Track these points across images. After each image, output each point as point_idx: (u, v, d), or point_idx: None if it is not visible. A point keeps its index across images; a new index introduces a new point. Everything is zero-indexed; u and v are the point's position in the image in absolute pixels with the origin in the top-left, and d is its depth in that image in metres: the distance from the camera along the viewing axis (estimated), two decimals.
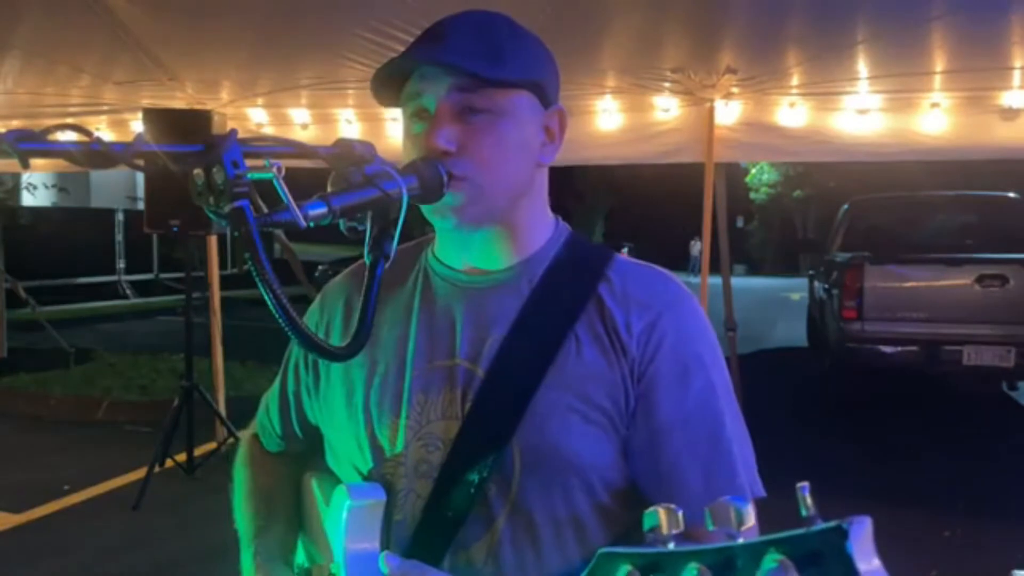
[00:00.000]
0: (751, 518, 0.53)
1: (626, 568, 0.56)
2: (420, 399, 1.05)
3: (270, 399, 1.29)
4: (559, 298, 1.06)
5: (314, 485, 1.19)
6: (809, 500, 0.50)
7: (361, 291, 0.96)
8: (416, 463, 1.04)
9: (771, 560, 0.48)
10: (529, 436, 1.00)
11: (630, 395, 1.02)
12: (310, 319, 1.21)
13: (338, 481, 1.14)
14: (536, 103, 1.05)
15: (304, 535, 1.23)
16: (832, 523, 0.47)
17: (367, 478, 1.08)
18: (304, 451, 1.26)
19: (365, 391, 1.09)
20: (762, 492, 1.04)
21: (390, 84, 1.04)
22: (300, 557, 1.23)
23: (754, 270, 35.00)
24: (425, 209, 1.03)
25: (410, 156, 1.01)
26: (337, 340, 1.14)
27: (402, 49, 1.04)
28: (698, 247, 31.62)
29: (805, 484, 0.50)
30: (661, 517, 0.56)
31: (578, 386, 1.01)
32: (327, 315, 1.19)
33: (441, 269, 1.12)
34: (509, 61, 1.00)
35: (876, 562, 0.46)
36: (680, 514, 0.57)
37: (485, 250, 1.08)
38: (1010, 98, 4.44)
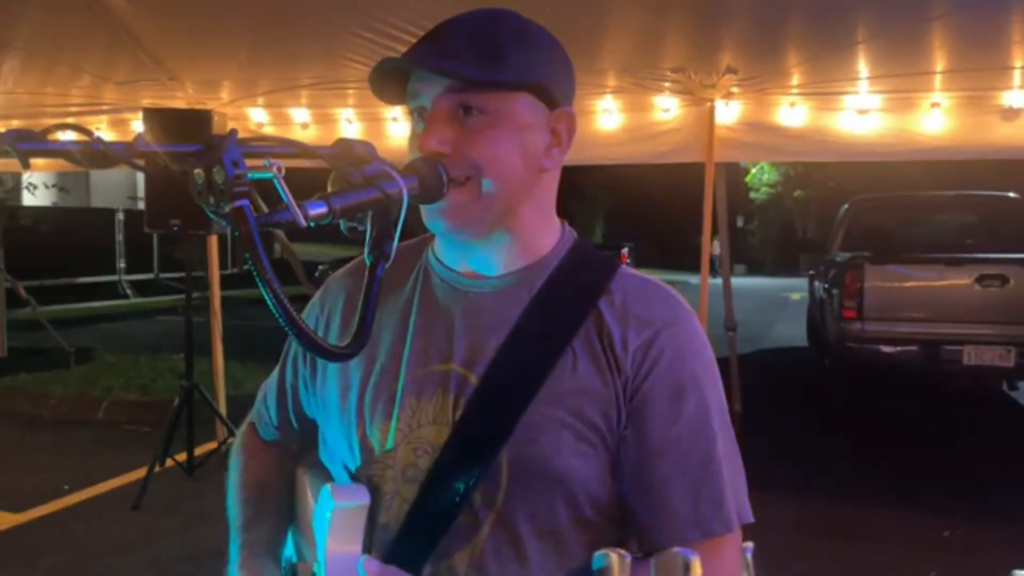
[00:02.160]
0: (696, 570, 0.55)
1: None
2: (412, 402, 1.04)
3: (267, 389, 1.29)
4: (558, 309, 1.04)
5: (307, 480, 1.19)
6: (751, 564, 0.51)
7: (360, 287, 0.95)
8: (404, 467, 1.03)
9: None
10: (519, 449, 0.99)
11: (622, 413, 1.01)
12: (310, 313, 1.20)
13: (330, 477, 1.14)
14: (539, 105, 1.02)
15: (294, 529, 1.23)
16: None
17: (355, 478, 1.08)
18: (299, 443, 1.26)
19: (360, 391, 1.08)
20: (750, 518, 1.03)
21: (392, 83, 1.03)
22: (289, 550, 1.23)
23: (754, 270, 35.00)
24: (424, 214, 1.02)
25: (411, 155, 1.01)
26: (335, 337, 1.14)
27: (402, 49, 1.04)
28: (719, 247, 31.75)
29: (750, 546, 0.52)
30: (613, 563, 0.58)
31: (572, 402, 1.00)
32: (327, 310, 1.18)
33: (441, 270, 1.10)
34: (508, 62, 0.98)
35: None
36: (628, 561, 0.57)
37: (486, 255, 1.07)
38: (1010, 98, 4.43)
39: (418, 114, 1.02)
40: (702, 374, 1.04)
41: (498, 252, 1.06)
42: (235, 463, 1.29)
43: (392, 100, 1.05)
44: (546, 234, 1.09)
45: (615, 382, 1.01)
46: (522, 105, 1.00)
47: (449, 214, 1.00)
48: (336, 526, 1.01)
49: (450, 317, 1.07)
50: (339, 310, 1.16)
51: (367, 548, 1.03)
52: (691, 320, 1.06)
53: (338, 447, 1.11)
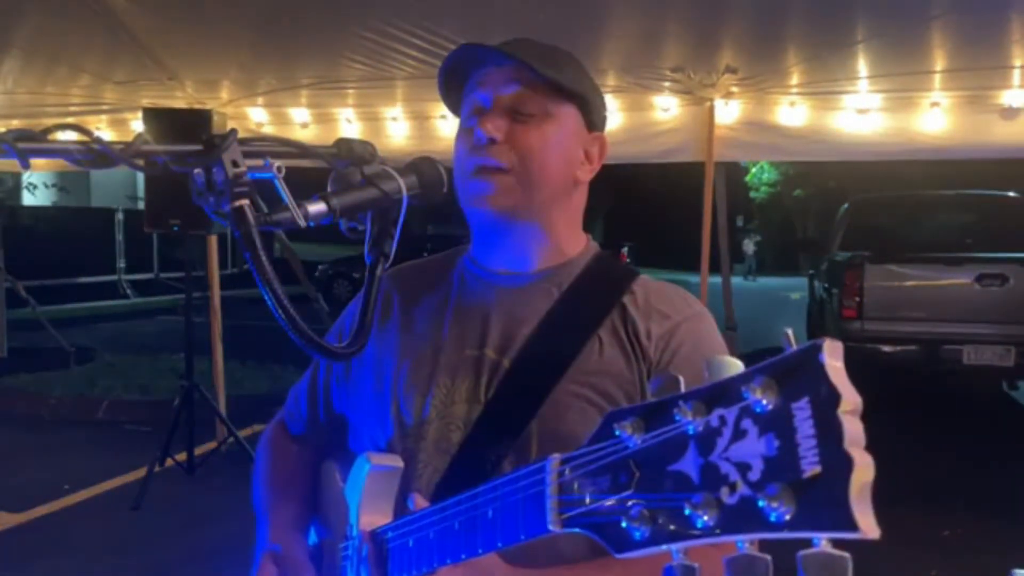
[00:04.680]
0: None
1: (629, 417, 0.64)
2: (446, 383, 1.11)
3: (299, 388, 1.35)
4: (586, 304, 1.13)
5: (335, 468, 1.23)
6: (793, 339, 0.57)
7: (404, 287, 1.09)
8: (436, 440, 1.10)
9: (757, 382, 0.55)
10: (548, 423, 1.05)
11: (646, 396, 1.04)
12: (348, 313, 1.26)
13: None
14: (581, 122, 1.14)
15: (319, 518, 1.26)
16: (808, 343, 0.55)
17: (388, 451, 1.13)
18: (325, 442, 1.31)
19: (395, 372, 1.15)
20: None
21: (450, 89, 1.15)
22: (312, 539, 1.26)
23: (754, 269, 34.95)
24: (462, 200, 1.11)
25: (460, 148, 1.11)
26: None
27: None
28: (752, 246, 31.68)
29: (789, 329, 0.57)
30: (660, 384, 0.64)
31: (597, 381, 1.07)
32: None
33: (477, 269, 1.19)
34: (563, 71, 1.11)
35: (842, 369, 0.54)
36: (680, 380, 0.63)
37: (518, 251, 1.15)
38: (1010, 97, 4.43)
39: (473, 112, 1.11)
40: None
41: (530, 250, 1.16)
42: (262, 455, 1.35)
43: (451, 106, 1.17)
44: (573, 242, 1.19)
45: (640, 367, 1.08)
46: (570, 115, 1.13)
47: (489, 199, 1.08)
48: (370, 487, 1.06)
49: (485, 308, 1.15)
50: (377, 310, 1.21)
51: (399, 514, 1.06)
52: (708, 318, 1.17)
53: (370, 428, 1.17)
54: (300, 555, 1.15)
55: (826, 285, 7.99)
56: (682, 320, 1.12)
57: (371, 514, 1.05)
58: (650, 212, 35.29)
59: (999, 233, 7.40)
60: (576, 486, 0.69)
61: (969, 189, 8.95)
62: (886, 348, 6.74)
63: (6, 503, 4.60)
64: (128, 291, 16.86)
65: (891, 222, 8.35)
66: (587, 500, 0.67)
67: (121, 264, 17.46)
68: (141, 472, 4.77)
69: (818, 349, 0.54)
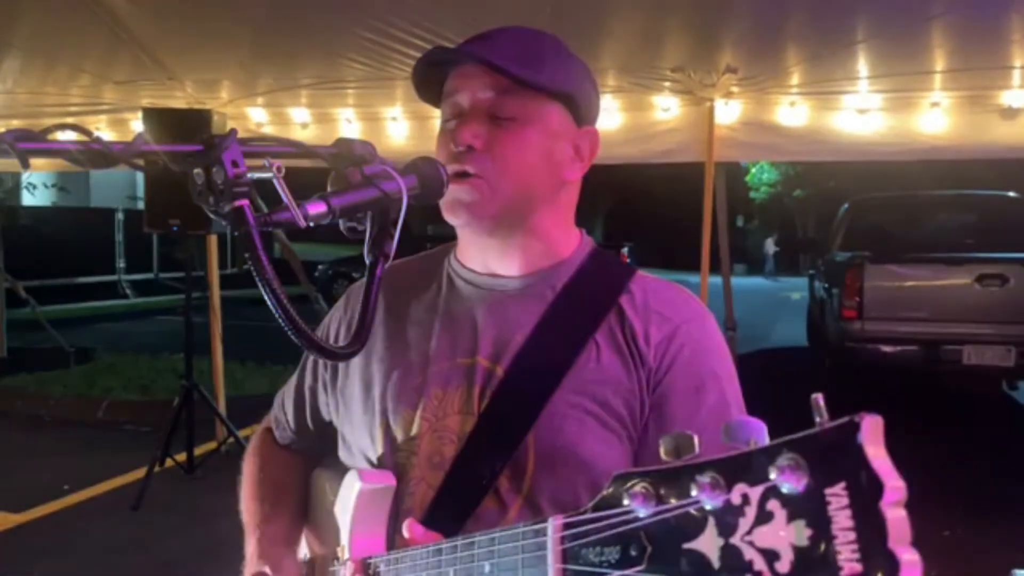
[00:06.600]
0: (765, 437, 0.54)
1: (639, 482, 0.59)
2: (438, 393, 1.07)
3: (285, 394, 1.32)
4: (581, 306, 1.08)
5: (325, 478, 1.21)
6: (823, 408, 0.51)
7: (388, 292, 1.04)
8: (429, 455, 1.06)
9: (784, 459, 0.50)
10: (545, 435, 1.01)
11: (645, 403, 1.04)
12: (334, 315, 1.24)
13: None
14: (568, 119, 1.08)
15: (308, 530, 1.24)
16: (844, 419, 0.49)
17: (379, 466, 1.10)
18: (315, 448, 1.28)
19: (383, 384, 1.11)
20: None
21: (431, 82, 1.09)
22: (302, 551, 1.24)
23: (754, 270, 34.95)
24: (443, 206, 1.06)
25: (440, 151, 1.06)
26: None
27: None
28: (773, 246, 31.59)
29: (819, 394, 0.52)
30: (672, 441, 0.59)
31: (596, 391, 1.03)
32: (350, 312, 1.21)
33: (464, 272, 1.14)
34: (545, 71, 1.04)
35: (884, 453, 0.49)
36: (696, 440, 0.59)
37: (505, 256, 1.11)
38: (1010, 97, 4.43)
39: (452, 113, 1.06)
40: (721, 369, 1.08)
41: (518, 254, 1.10)
42: (250, 465, 1.31)
43: (428, 99, 1.11)
44: (565, 240, 1.14)
45: (639, 374, 1.04)
46: (553, 114, 1.06)
47: (468, 206, 1.04)
48: (362, 506, 1.03)
49: (474, 314, 1.10)
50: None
51: (391, 532, 1.04)
52: (709, 319, 1.12)
53: (359, 441, 1.13)
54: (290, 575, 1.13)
55: (826, 285, 7.99)
56: (682, 322, 1.07)
57: (363, 536, 1.02)
58: (650, 212, 35.26)
59: (999, 233, 7.40)
60: (581, 555, 0.63)
61: (969, 189, 8.96)
62: (886, 348, 6.74)
63: (6, 503, 4.60)
64: (128, 291, 16.85)
65: (891, 222, 8.36)
66: (593, 572, 0.62)
67: (121, 264, 17.44)
68: (141, 472, 4.77)
69: (855, 428, 0.48)
